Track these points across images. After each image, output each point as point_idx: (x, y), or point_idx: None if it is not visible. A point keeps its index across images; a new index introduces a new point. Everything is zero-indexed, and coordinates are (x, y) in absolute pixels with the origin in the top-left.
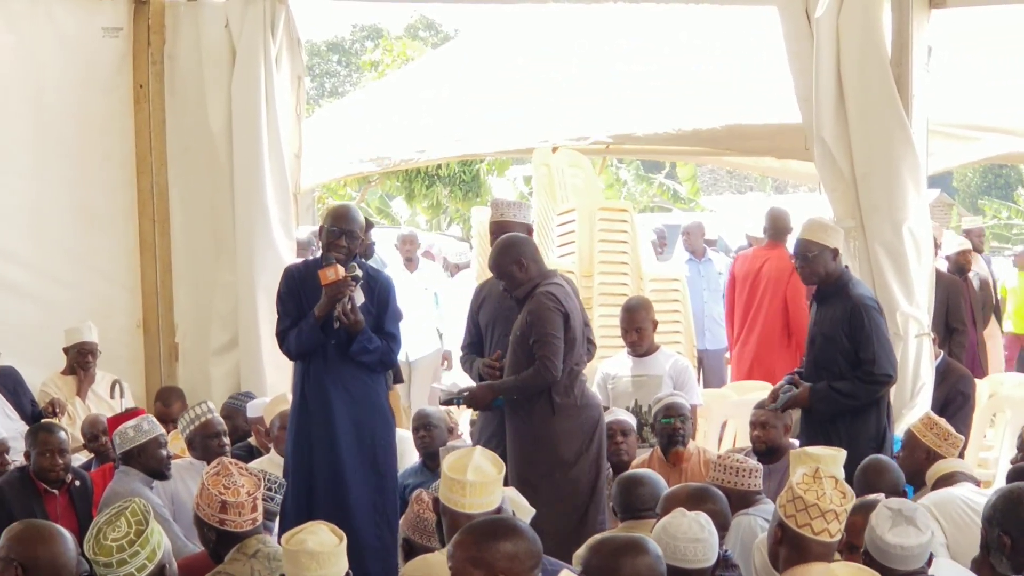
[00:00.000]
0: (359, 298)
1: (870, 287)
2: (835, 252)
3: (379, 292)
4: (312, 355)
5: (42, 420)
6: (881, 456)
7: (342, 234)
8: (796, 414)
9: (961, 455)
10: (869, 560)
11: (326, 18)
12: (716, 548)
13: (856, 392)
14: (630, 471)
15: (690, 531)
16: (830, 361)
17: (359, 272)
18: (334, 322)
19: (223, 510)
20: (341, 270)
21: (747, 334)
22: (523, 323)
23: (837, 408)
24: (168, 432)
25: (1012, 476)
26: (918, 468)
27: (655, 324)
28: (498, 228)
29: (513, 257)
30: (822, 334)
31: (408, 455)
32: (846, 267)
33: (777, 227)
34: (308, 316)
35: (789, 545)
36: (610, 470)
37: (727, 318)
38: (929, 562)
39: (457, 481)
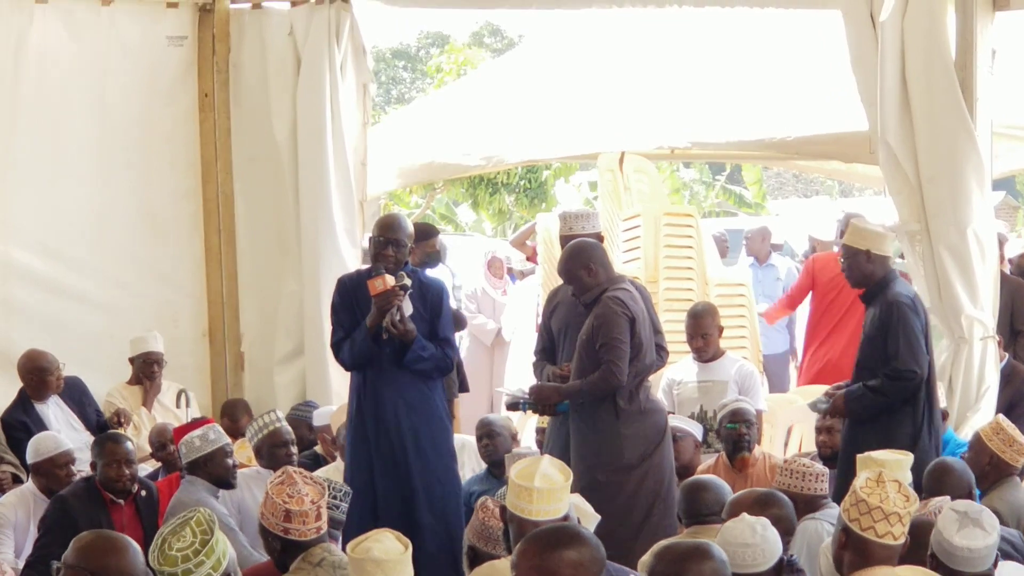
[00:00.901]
0: (407, 308)
1: (936, 290)
2: (867, 254)
3: (431, 298)
4: (367, 364)
5: (108, 430)
6: (948, 458)
7: (388, 243)
8: None
9: None
10: (936, 563)
11: (393, 25)
12: (771, 553)
13: (884, 389)
14: (695, 476)
15: (741, 536)
16: (871, 362)
17: (407, 281)
18: (383, 333)
19: (287, 519)
20: (390, 280)
21: (827, 339)
22: (590, 327)
23: (872, 408)
24: (234, 442)
25: None
26: (982, 472)
27: (721, 330)
28: (568, 241)
29: (582, 262)
30: (865, 336)
31: (473, 460)
32: (894, 268)
33: None
34: (360, 327)
35: (853, 549)
36: None
37: (809, 324)
38: (995, 564)
39: (525, 488)
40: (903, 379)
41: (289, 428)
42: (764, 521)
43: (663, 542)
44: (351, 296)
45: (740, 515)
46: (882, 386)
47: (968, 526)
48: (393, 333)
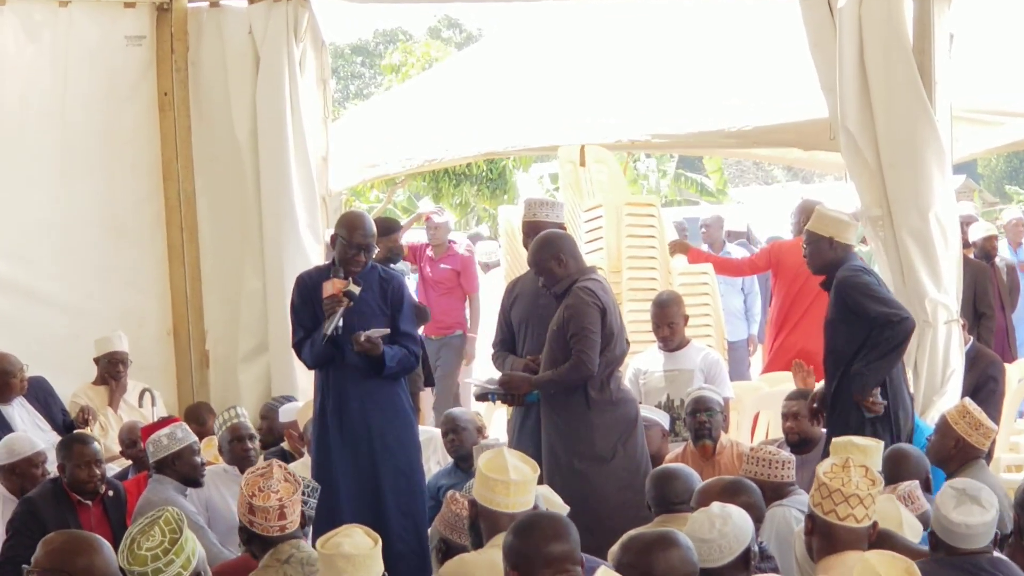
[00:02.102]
0: (375, 330)
1: (899, 275)
2: (831, 241)
3: (392, 292)
4: (330, 362)
5: (74, 431)
6: (904, 445)
7: (361, 249)
8: None
9: (991, 444)
10: (936, 540)
11: (350, 21)
12: (730, 548)
13: (882, 348)
14: (664, 465)
15: (700, 531)
16: (837, 345)
17: (355, 289)
18: (349, 346)
19: (251, 512)
20: (339, 285)
21: (793, 326)
22: (561, 318)
23: (876, 380)
24: (201, 440)
25: None
26: (948, 455)
27: (686, 319)
28: (531, 228)
29: (552, 252)
30: (827, 321)
31: (439, 454)
32: (855, 253)
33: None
34: (319, 330)
35: (819, 534)
36: None
37: (776, 311)
38: (995, 542)
39: (501, 481)
40: (894, 325)
41: (248, 425)
42: (725, 514)
43: (629, 532)
44: (310, 294)
45: (707, 506)
46: (880, 349)
47: (966, 503)
48: (357, 350)
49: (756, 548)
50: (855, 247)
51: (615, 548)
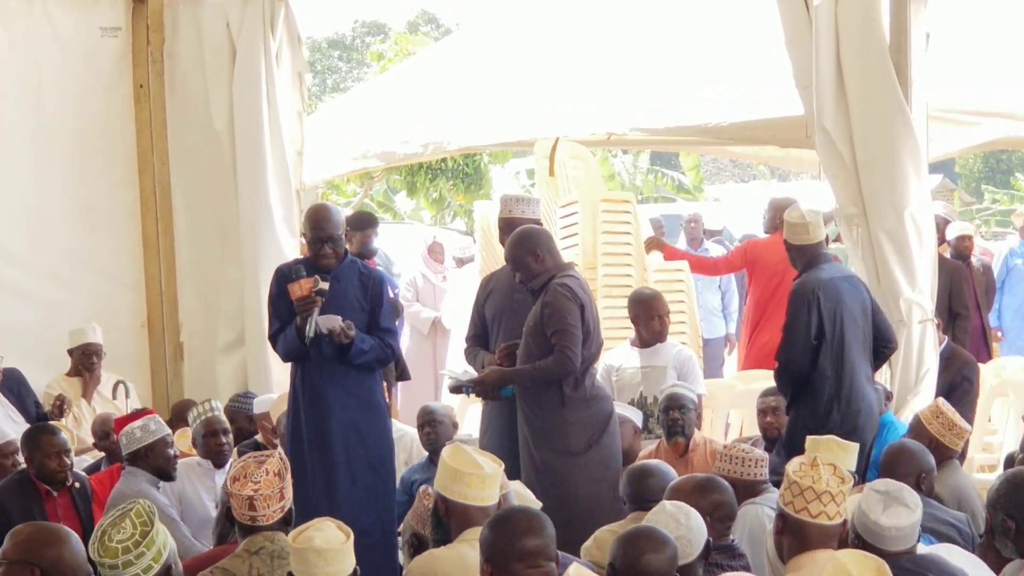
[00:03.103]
0: (338, 322)
1: (874, 274)
2: (787, 244)
3: (372, 288)
4: (305, 356)
5: (42, 422)
6: (906, 440)
7: (325, 242)
8: None
9: (965, 444)
10: (862, 544)
11: (327, 14)
12: (697, 542)
13: (776, 376)
14: (642, 462)
15: (669, 528)
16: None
17: (324, 286)
18: (323, 340)
19: (228, 493)
20: (306, 284)
21: (765, 324)
22: (538, 314)
23: (784, 391)
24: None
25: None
26: None
27: (667, 313)
28: (507, 224)
29: (529, 248)
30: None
31: (410, 449)
32: (825, 253)
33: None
34: (291, 325)
35: (790, 532)
36: None
37: (752, 309)
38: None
39: (476, 476)
40: (781, 369)
41: (223, 418)
42: (685, 510)
43: (624, 531)
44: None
45: (660, 505)
46: (774, 373)
47: (893, 505)
48: (334, 342)
49: (728, 544)
50: (820, 240)
51: (588, 544)
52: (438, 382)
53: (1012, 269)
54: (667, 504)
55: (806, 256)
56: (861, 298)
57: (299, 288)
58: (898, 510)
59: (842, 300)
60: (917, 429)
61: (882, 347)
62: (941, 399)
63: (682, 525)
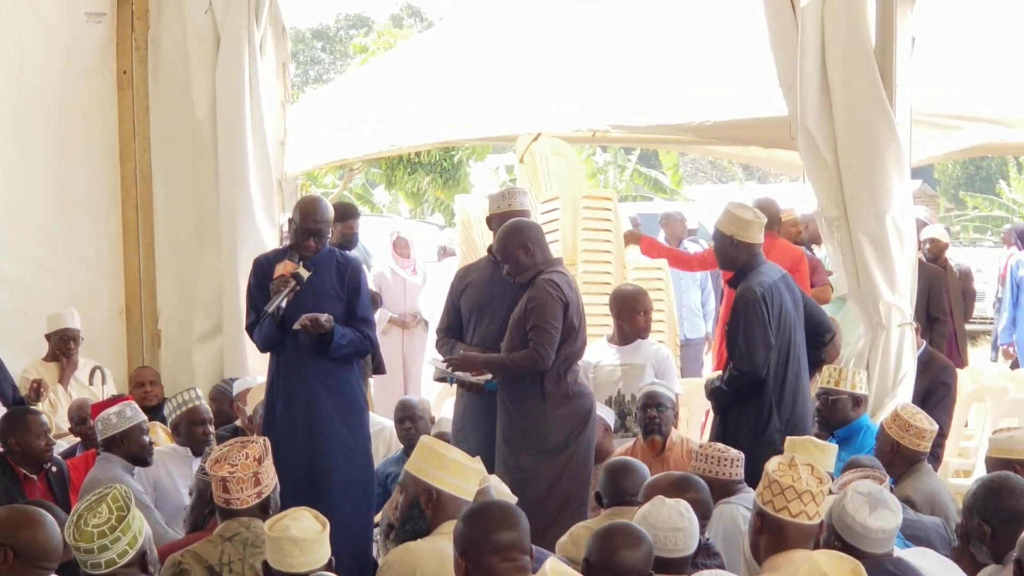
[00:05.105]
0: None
1: (854, 276)
2: (731, 239)
3: (349, 277)
4: (282, 345)
5: (20, 405)
6: (860, 456)
7: (311, 234)
8: None
9: (941, 445)
10: (843, 546)
11: (311, 5)
12: (696, 537)
13: (727, 385)
14: (619, 458)
15: (670, 520)
16: (729, 349)
17: (304, 273)
18: (300, 330)
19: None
20: (290, 267)
21: None
22: (524, 308)
23: (724, 401)
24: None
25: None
26: (889, 460)
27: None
28: (502, 219)
29: (520, 241)
30: (727, 322)
31: (387, 442)
32: (760, 255)
33: (769, 217)
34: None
35: (769, 532)
36: None
37: (724, 306)
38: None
39: (473, 470)
40: (740, 378)
41: (207, 408)
42: (685, 504)
43: (599, 527)
44: (266, 277)
45: (657, 498)
46: (726, 381)
47: (879, 508)
48: (309, 331)
49: (702, 543)
50: (761, 242)
51: (564, 539)
52: (407, 375)
53: (1022, 283)
54: (662, 498)
55: (747, 255)
56: (794, 295)
57: (282, 267)
58: (884, 512)
59: (785, 302)
60: (881, 435)
61: (820, 335)
62: (900, 405)
63: (684, 518)
